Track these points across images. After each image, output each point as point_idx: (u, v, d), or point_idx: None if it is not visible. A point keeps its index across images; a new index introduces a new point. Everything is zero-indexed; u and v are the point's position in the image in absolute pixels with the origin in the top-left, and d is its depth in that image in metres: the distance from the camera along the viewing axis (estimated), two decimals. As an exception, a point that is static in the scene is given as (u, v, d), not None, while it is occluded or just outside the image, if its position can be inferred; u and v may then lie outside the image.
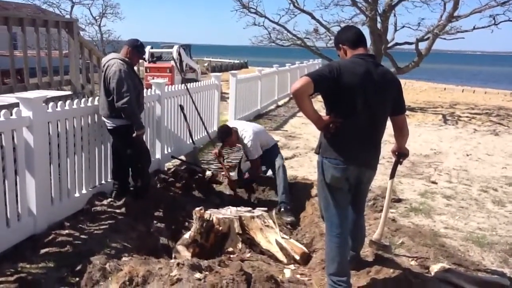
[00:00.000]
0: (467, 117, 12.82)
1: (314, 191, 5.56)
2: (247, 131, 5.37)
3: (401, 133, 3.35)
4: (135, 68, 4.90)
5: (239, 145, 5.59)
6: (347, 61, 3.07)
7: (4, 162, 3.55)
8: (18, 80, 6.59)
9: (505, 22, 13.26)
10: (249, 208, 4.41)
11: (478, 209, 5.25)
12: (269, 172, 5.68)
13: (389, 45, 14.20)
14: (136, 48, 4.72)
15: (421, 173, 6.79)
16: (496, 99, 18.57)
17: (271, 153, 5.48)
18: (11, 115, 3.61)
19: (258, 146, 5.34)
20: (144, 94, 5.21)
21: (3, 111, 3.54)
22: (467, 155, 8.07)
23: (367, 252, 3.72)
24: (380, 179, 5.19)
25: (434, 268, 3.53)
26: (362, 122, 3.00)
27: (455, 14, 12.86)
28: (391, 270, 3.41)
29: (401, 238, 4.13)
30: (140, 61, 5.28)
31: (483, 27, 13.42)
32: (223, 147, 6.00)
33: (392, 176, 3.54)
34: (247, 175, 5.65)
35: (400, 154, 3.48)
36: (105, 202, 4.65)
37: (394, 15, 14.41)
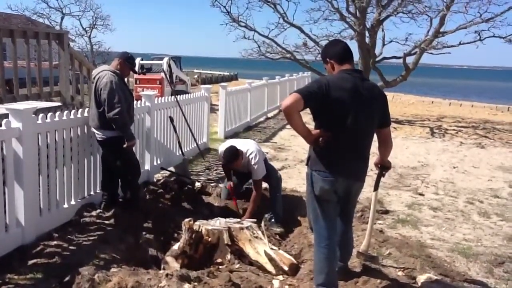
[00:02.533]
0: (454, 130, 13.00)
1: (303, 202, 5.60)
2: (252, 151, 5.13)
3: (385, 145, 3.42)
4: (125, 79, 4.93)
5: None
6: (335, 77, 3.14)
7: (-7, 173, 3.55)
8: (7, 91, 6.58)
9: (490, 37, 13.53)
10: (238, 220, 4.44)
11: (464, 221, 5.33)
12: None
13: (377, 59, 14.38)
14: (127, 60, 4.76)
15: (409, 185, 6.88)
16: (482, 112, 18.86)
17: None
18: (1, 126, 3.62)
19: (263, 165, 5.19)
20: (134, 106, 5.23)
21: (-7, 121, 3.55)
22: (454, 168, 8.19)
23: (354, 262, 3.76)
24: (368, 190, 5.23)
25: (421, 278, 3.58)
26: (351, 135, 3.07)
27: (442, 30, 13.12)
28: (378, 281, 3.45)
29: (388, 249, 4.18)
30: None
31: (468, 43, 13.68)
32: (230, 175, 5.57)
33: (375, 188, 3.61)
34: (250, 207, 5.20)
35: (383, 166, 3.54)
36: (94, 213, 4.64)
37: (382, 30, 14.62)
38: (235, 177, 5.58)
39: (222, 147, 5.40)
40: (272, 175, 5.38)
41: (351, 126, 3.04)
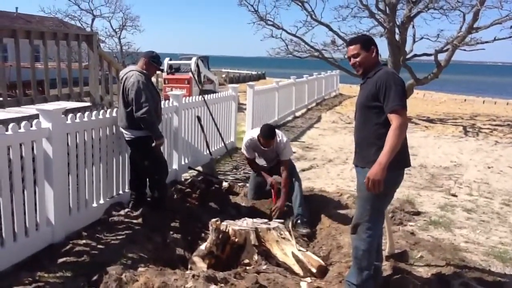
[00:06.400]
0: (488, 128, 12.61)
1: (331, 203, 5.51)
2: (279, 132, 5.31)
3: None
4: (153, 79, 4.96)
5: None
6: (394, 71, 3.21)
7: (24, 173, 3.60)
8: (39, 92, 6.71)
9: (527, 33, 13.00)
10: (265, 220, 4.38)
11: (500, 223, 5.13)
12: None
13: (408, 56, 14.08)
14: (152, 59, 4.77)
15: (441, 186, 6.68)
16: (518, 110, 18.24)
17: None
18: (31, 126, 3.68)
19: (290, 146, 5.40)
20: (162, 106, 5.25)
21: (23, 122, 3.61)
22: (488, 168, 7.92)
23: (385, 266, 3.66)
24: (398, 191, 5.12)
25: (455, 283, 3.46)
26: None
27: (475, 25, 12.70)
28: (410, 285, 3.34)
29: (420, 252, 4.06)
30: (159, 72, 5.33)
31: (503, 38, 13.17)
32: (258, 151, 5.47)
33: None
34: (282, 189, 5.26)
35: None
36: (122, 212, 4.68)
37: (413, 27, 14.28)
38: (259, 176, 5.56)
39: (247, 137, 5.44)
40: (293, 175, 5.30)
41: None
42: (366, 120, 3.12)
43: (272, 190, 5.38)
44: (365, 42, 3.20)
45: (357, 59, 3.18)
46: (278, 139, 5.20)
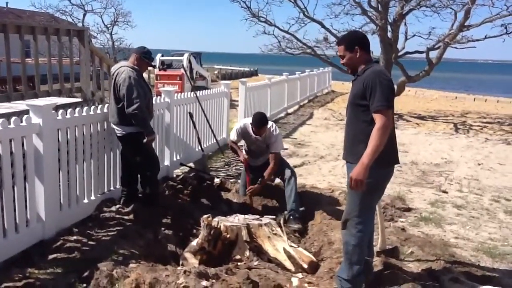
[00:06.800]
0: (478, 126, 12.71)
1: (323, 199, 5.53)
2: (273, 124, 5.36)
3: None
4: (145, 75, 4.93)
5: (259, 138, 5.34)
6: (384, 69, 3.25)
7: (14, 169, 3.58)
8: (29, 87, 6.67)
9: (517, 31, 13.09)
10: (257, 216, 4.39)
11: (489, 219, 5.18)
12: (277, 180, 5.66)
13: (400, 54, 14.12)
14: (144, 55, 4.75)
15: (432, 182, 6.73)
16: (509, 108, 18.40)
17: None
18: (21, 122, 3.65)
19: (282, 140, 5.46)
20: (154, 102, 5.23)
21: (13, 118, 3.58)
22: (479, 164, 7.99)
23: (376, 261, 3.68)
24: (389, 187, 5.15)
25: (444, 279, 3.49)
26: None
27: (466, 23, 12.75)
28: (400, 280, 3.37)
29: (410, 247, 4.09)
30: (150, 68, 5.31)
31: (494, 36, 13.27)
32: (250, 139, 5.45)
33: None
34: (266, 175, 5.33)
35: None
36: (113, 208, 4.66)
37: (405, 24, 14.30)
38: (252, 173, 5.55)
39: (239, 123, 5.60)
40: (287, 170, 5.31)
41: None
42: (355, 117, 3.16)
43: (246, 170, 5.54)
44: (349, 44, 3.22)
45: (344, 60, 3.24)
46: (270, 129, 5.27)
